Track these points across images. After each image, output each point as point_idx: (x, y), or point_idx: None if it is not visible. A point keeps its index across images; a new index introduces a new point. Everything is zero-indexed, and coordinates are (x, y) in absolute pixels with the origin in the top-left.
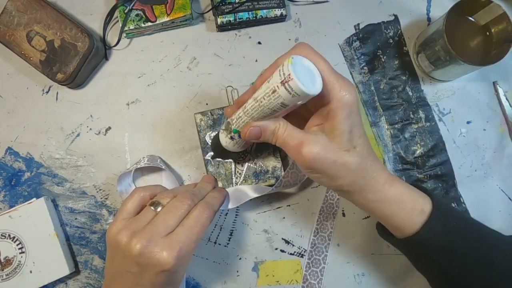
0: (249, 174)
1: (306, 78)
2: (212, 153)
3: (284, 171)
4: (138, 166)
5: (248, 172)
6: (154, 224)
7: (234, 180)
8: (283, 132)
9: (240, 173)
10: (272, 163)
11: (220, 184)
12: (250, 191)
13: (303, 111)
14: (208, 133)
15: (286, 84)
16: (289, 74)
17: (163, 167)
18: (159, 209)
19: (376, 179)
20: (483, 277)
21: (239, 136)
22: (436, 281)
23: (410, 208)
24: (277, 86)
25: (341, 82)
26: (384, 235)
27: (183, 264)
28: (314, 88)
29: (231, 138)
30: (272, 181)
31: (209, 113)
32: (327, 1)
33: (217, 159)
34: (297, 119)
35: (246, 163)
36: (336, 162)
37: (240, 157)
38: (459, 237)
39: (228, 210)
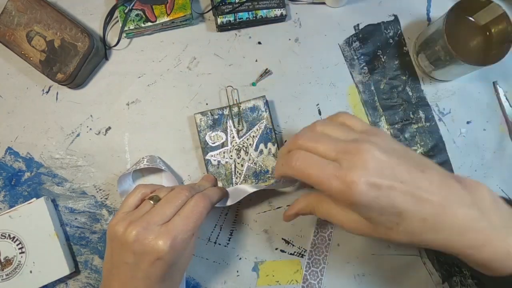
0: (249, 174)
1: None
2: None
3: None
4: (138, 168)
5: (248, 172)
6: (151, 213)
7: (234, 180)
8: (322, 211)
9: (240, 173)
10: (272, 163)
11: (220, 184)
12: (249, 188)
13: None
14: (208, 133)
15: None
16: None
17: (163, 167)
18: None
19: (450, 246)
20: None
21: None
22: None
23: (502, 265)
24: None
25: (338, 183)
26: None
27: (179, 254)
28: None
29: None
30: (272, 181)
31: (209, 113)
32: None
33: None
34: None
35: (246, 163)
36: (382, 238)
37: None
38: None
39: (228, 210)
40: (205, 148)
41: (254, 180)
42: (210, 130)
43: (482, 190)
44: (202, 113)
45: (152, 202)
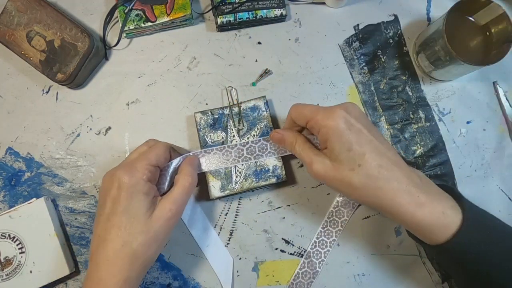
0: (249, 173)
1: None
2: None
3: (285, 169)
4: None
5: (249, 171)
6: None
7: (234, 178)
8: (300, 148)
9: (240, 172)
10: (272, 162)
11: (219, 183)
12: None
13: None
14: (207, 132)
15: None
16: None
17: None
18: None
19: (397, 201)
20: None
21: None
22: (466, 285)
23: (439, 226)
24: None
25: (323, 113)
26: (413, 238)
27: (135, 183)
28: None
29: None
30: (273, 180)
31: (209, 112)
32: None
33: None
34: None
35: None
36: (342, 181)
37: None
38: (491, 247)
39: (228, 210)
40: (205, 147)
41: (254, 179)
42: (210, 129)
43: (419, 171)
44: (202, 112)
45: None
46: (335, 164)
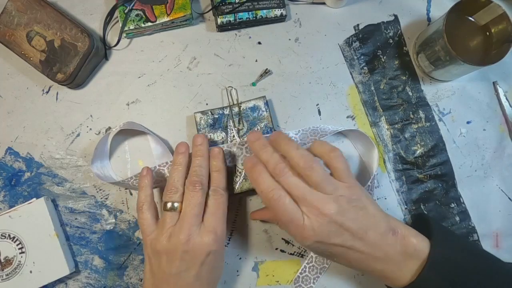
0: None
1: None
2: None
3: None
4: (115, 131)
5: None
6: (184, 220)
7: (234, 179)
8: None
9: (240, 172)
10: None
11: None
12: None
13: None
14: (207, 132)
15: None
16: None
17: (147, 130)
18: (176, 205)
19: (368, 274)
20: None
21: None
22: None
23: (393, 277)
24: None
25: (295, 226)
26: None
27: (222, 244)
28: None
29: None
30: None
31: (209, 112)
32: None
33: None
34: None
35: None
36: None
37: None
38: (458, 282)
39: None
40: None
41: None
42: (210, 129)
43: (410, 240)
44: (202, 112)
45: (173, 211)
46: None
